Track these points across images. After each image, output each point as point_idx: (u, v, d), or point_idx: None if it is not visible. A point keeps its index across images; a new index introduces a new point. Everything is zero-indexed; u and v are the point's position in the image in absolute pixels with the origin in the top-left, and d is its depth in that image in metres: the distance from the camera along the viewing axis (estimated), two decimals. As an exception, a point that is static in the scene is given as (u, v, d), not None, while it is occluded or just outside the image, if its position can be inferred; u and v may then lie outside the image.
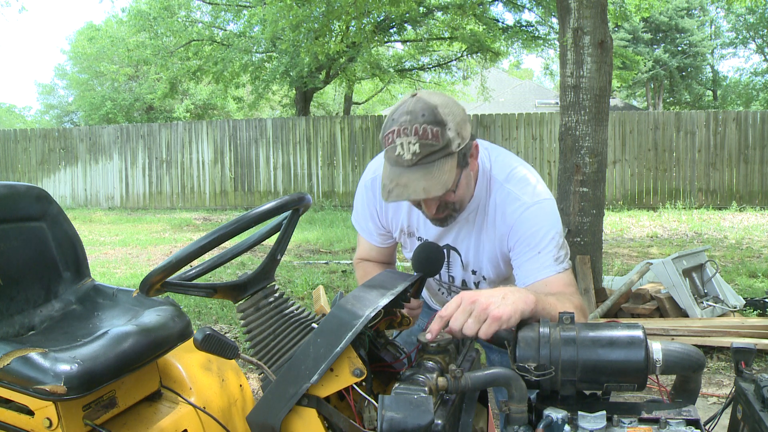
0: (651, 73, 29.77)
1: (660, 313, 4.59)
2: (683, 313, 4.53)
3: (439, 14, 15.62)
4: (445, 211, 1.52)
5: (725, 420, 1.24)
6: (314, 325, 1.36)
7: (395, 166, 1.39)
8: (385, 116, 1.48)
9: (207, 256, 1.42)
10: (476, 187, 1.59)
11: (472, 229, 1.65)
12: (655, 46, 30.73)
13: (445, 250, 1.68)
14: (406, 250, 1.82)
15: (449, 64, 19.60)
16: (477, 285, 1.76)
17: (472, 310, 1.18)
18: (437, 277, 1.81)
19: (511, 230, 1.57)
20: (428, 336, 1.20)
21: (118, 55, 20.87)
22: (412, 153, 1.35)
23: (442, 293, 1.90)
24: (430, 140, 1.35)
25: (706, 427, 1.21)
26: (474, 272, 1.72)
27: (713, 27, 33.23)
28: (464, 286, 1.78)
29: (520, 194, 1.56)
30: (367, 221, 1.80)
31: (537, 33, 15.80)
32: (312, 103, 20.38)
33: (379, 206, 1.75)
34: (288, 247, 1.49)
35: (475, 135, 1.52)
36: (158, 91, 19.57)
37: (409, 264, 1.71)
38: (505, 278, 1.71)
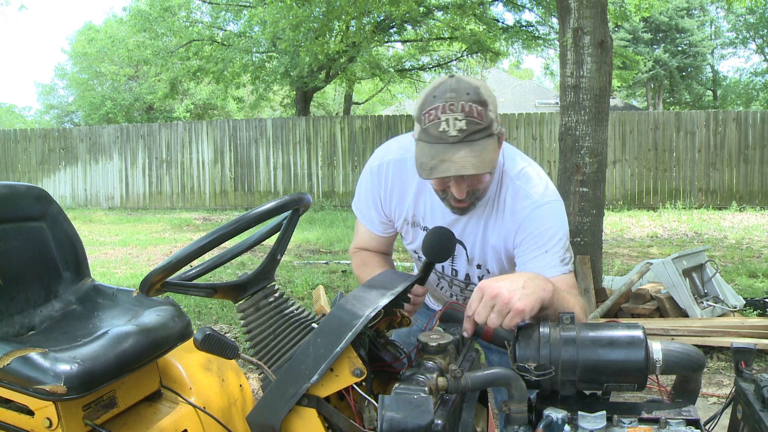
0: (651, 73, 29.78)
1: (660, 313, 4.59)
2: (683, 313, 4.53)
3: (439, 14, 15.63)
4: (471, 198, 1.50)
5: (725, 420, 1.24)
6: (314, 325, 1.36)
7: (438, 143, 1.37)
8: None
9: (207, 256, 1.42)
10: None
11: (480, 223, 1.64)
12: (655, 46, 30.73)
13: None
14: (407, 241, 1.79)
15: (449, 64, 19.59)
16: (480, 279, 1.73)
17: (494, 304, 1.18)
18: (440, 270, 1.80)
19: (519, 227, 1.56)
20: (465, 334, 1.24)
21: (118, 55, 20.87)
22: (459, 129, 1.34)
23: (442, 288, 1.87)
24: (475, 118, 1.35)
25: (706, 427, 1.21)
26: (479, 266, 1.70)
27: (713, 27, 33.24)
28: (467, 279, 1.75)
29: (531, 192, 1.56)
30: (369, 208, 1.76)
31: (537, 33, 15.81)
32: (312, 103, 20.39)
33: (383, 193, 1.71)
34: (288, 247, 1.49)
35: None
36: (158, 92, 19.59)
37: (408, 264, 1.71)
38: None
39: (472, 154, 1.35)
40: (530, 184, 1.58)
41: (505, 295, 1.17)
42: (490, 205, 1.62)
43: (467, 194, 1.47)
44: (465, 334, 1.24)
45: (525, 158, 1.66)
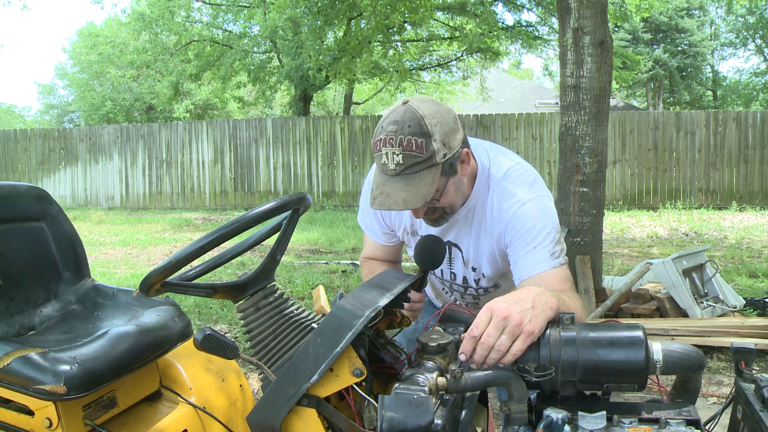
0: (651, 73, 29.76)
1: (660, 313, 4.59)
2: (683, 313, 4.53)
3: (439, 14, 15.61)
4: (435, 214, 1.55)
5: (725, 420, 1.24)
6: (314, 325, 1.36)
7: (381, 173, 1.44)
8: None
9: (207, 256, 1.42)
10: (475, 186, 1.61)
11: (471, 227, 1.66)
12: (655, 46, 30.71)
13: (447, 247, 1.69)
14: (410, 248, 1.82)
15: (449, 64, 19.59)
16: (477, 282, 1.76)
17: (506, 326, 1.12)
18: (439, 274, 1.81)
19: (507, 227, 1.58)
20: (462, 357, 1.14)
21: (120, 60, 20.88)
22: (396, 163, 1.39)
23: (445, 291, 1.91)
24: (414, 152, 1.39)
25: (706, 427, 1.21)
26: (474, 269, 1.73)
27: (713, 27, 33.22)
28: (465, 282, 1.78)
29: (517, 191, 1.58)
30: (372, 220, 1.82)
31: (537, 33, 15.80)
32: (312, 102, 20.39)
33: None
34: (288, 247, 1.49)
35: (467, 142, 1.53)
36: (162, 96, 19.63)
37: (409, 264, 1.72)
38: (503, 274, 1.72)
39: (405, 189, 1.40)
40: (515, 183, 1.60)
41: (516, 317, 1.11)
42: (480, 208, 1.63)
43: (428, 212, 1.53)
44: (462, 357, 1.14)
45: (512, 157, 1.67)
